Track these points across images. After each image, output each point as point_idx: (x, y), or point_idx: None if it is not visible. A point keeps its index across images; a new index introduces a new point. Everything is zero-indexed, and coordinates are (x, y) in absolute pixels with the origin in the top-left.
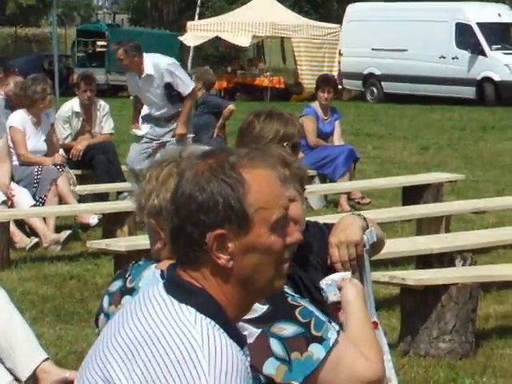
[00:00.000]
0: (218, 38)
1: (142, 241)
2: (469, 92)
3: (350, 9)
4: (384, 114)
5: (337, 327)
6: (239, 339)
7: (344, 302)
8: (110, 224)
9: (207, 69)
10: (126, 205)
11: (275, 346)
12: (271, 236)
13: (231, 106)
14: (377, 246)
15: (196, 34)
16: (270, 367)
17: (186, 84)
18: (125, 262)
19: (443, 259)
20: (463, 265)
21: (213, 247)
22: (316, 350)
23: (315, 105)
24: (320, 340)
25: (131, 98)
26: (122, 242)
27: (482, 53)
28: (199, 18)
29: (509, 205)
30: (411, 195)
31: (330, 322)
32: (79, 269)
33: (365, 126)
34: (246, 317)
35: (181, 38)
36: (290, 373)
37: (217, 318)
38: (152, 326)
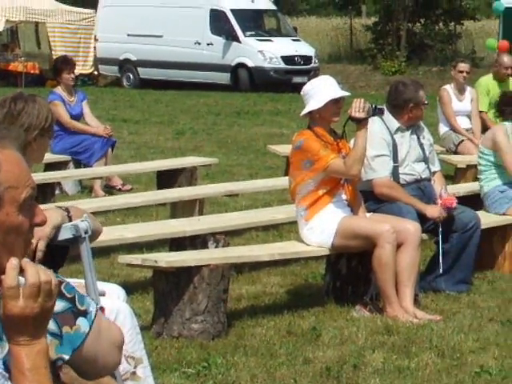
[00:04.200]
0: None
1: None
2: (223, 78)
3: None
4: (140, 99)
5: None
6: None
7: None
8: None
9: None
10: None
11: None
12: (19, 215)
13: None
14: (92, 234)
15: None
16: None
17: None
18: None
19: (196, 241)
20: (216, 247)
21: None
22: (82, 323)
23: (58, 90)
24: (84, 313)
25: None
26: None
27: (236, 39)
28: None
29: (261, 187)
30: (166, 179)
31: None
32: None
33: (121, 111)
34: None
35: None
36: (60, 346)
37: None
38: None
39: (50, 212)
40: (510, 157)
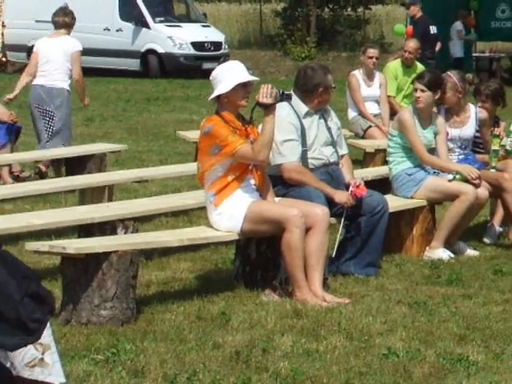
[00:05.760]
0: None
1: None
2: (133, 64)
3: None
4: None
5: None
6: None
7: None
8: None
9: None
10: None
11: None
12: None
13: None
14: None
15: None
16: None
17: None
18: None
19: (105, 228)
20: (125, 233)
21: None
22: None
23: None
24: None
25: None
26: None
27: (146, 25)
28: None
29: (171, 173)
30: (75, 166)
31: None
32: None
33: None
34: None
35: None
36: None
37: None
38: None
39: None
40: (414, 136)
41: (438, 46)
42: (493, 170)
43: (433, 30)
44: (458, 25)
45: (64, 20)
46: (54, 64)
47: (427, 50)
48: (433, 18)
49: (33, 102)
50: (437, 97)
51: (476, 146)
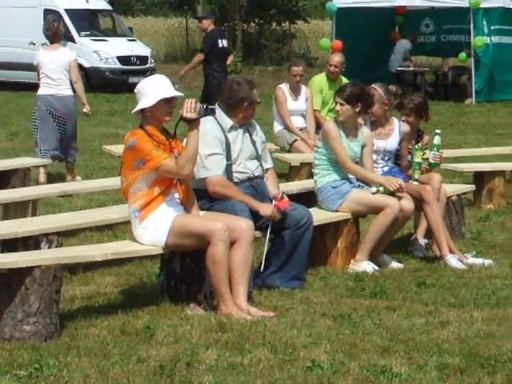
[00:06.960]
0: None
1: None
2: None
3: None
4: None
5: None
6: None
7: None
8: None
9: None
10: None
11: None
12: None
13: None
14: None
15: None
16: None
17: None
18: None
19: (29, 243)
20: (49, 247)
21: None
22: None
23: None
24: None
25: None
26: None
27: (71, 39)
28: None
29: (95, 188)
30: None
31: None
32: None
33: None
34: None
35: None
36: None
37: None
38: None
39: None
40: (338, 145)
41: (230, 59)
42: (415, 183)
43: (222, 43)
44: (407, 43)
45: (53, 33)
46: (57, 75)
47: (215, 63)
48: (365, 35)
49: (45, 109)
50: (357, 110)
51: (398, 158)
